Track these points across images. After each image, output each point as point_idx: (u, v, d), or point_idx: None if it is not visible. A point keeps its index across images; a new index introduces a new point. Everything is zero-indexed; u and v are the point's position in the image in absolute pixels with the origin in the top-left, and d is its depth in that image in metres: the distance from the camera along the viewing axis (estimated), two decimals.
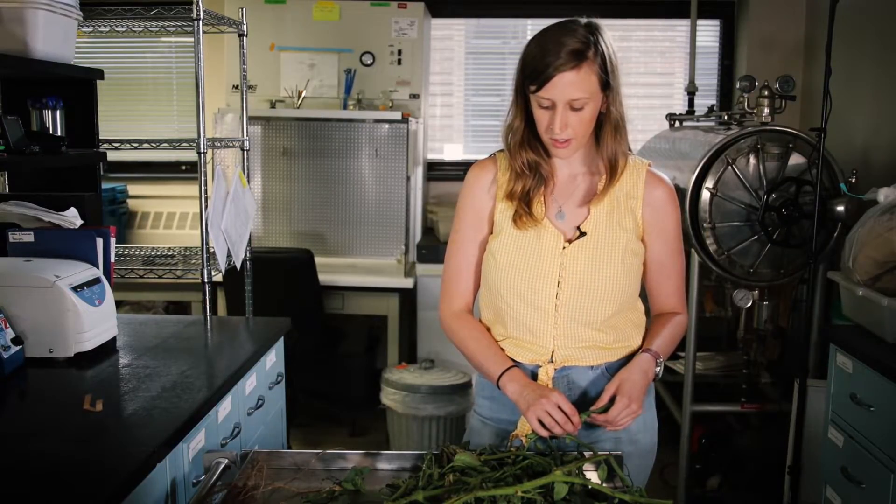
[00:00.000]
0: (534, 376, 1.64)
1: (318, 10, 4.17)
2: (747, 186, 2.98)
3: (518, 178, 1.64)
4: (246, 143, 2.92)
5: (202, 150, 2.54)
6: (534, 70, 1.52)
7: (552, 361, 1.64)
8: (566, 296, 1.61)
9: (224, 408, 1.96)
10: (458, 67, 4.64)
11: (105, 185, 3.97)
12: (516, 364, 1.65)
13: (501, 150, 1.70)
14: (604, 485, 1.42)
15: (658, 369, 1.63)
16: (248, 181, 2.83)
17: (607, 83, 1.55)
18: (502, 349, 1.68)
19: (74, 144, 2.46)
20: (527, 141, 1.62)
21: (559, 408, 1.51)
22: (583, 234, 1.62)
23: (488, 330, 1.73)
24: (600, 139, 1.62)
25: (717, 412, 3.48)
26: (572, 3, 4.53)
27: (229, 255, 2.65)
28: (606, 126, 1.60)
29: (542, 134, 1.58)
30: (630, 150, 1.67)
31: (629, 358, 1.67)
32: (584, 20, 1.57)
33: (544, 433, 1.51)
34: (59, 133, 2.40)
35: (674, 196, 1.68)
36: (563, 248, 1.62)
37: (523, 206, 1.63)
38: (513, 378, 1.60)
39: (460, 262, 1.73)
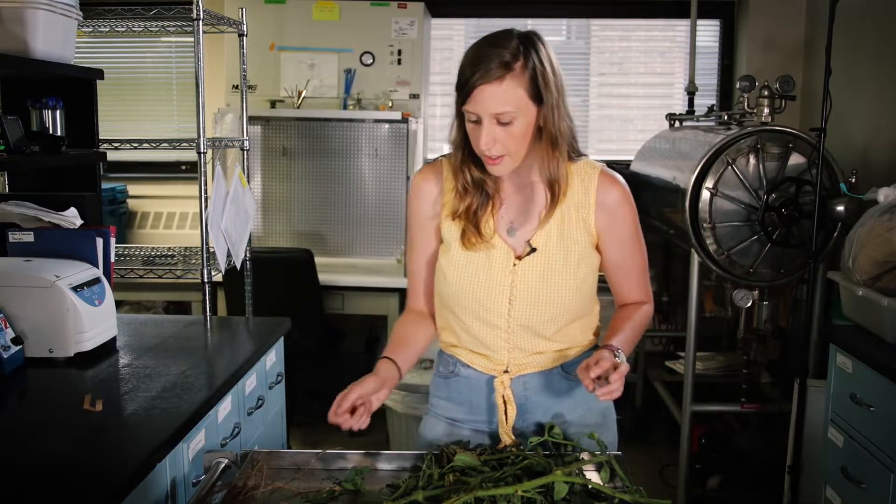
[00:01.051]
0: (489, 385, 1.64)
1: (318, 10, 4.17)
2: (747, 186, 2.98)
3: (464, 197, 1.57)
4: (246, 143, 2.92)
5: (202, 150, 2.54)
6: (459, 82, 1.46)
7: (507, 371, 1.62)
8: (518, 312, 1.58)
9: (224, 408, 1.96)
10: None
11: (105, 185, 3.97)
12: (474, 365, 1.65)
13: (448, 156, 1.64)
14: (604, 485, 1.42)
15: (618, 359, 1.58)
16: (248, 181, 2.83)
17: (540, 97, 1.47)
18: (406, 341, 1.66)
19: (74, 144, 2.46)
20: (469, 157, 1.55)
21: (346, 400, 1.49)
22: (533, 249, 1.57)
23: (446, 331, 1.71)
24: (539, 154, 1.54)
25: (717, 412, 3.48)
26: (572, 4, 4.54)
27: (229, 255, 2.65)
28: (543, 142, 1.52)
29: (475, 149, 1.51)
30: (580, 154, 1.60)
31: (587, 352, 1.67)
32: (520, 31, 1.49)
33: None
34: (59, 133, 2.40)
35: (628, 196, 1.61)
36: (514, 264, 1.57)
37: (471, 227, 1.57)
38: (378, 367, 1.58)
39: (415, 269, 1.71)
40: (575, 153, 1.58)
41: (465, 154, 1.55)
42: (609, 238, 1.61)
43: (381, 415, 3.71)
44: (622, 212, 1.61)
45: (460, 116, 1.52)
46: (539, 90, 1.47)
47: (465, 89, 1.44)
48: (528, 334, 1.60)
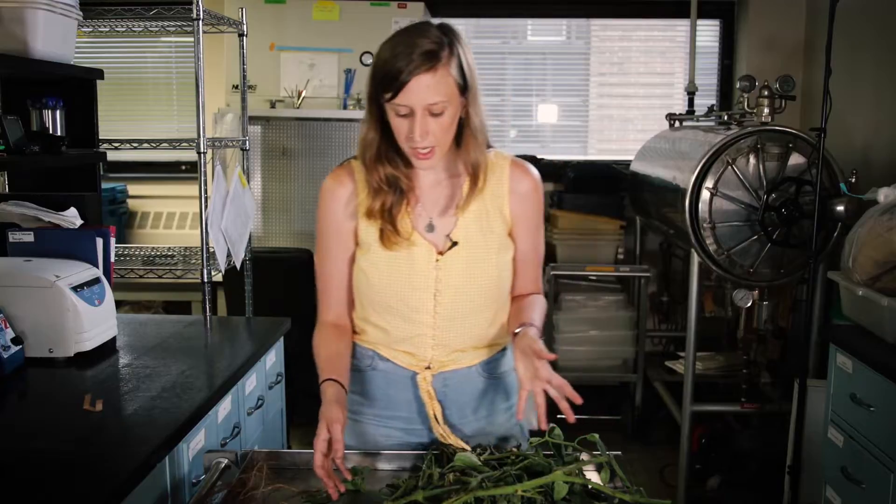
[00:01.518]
0: (412, 381, 1.64)
1: (318, 10, 4.17)
2: (747, 186, 2.98)
3: (377, 195, 1.55)
4: (246, 143, 2.92)
5: (202, 150, 2.54)
6: (387, 76, 1.43)
7: (429, 368, 1.62)
8: (444, 308, 1.58)
9: (224, 408, 1.96)
10: None
11: (105, 185, 3.97)
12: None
13: (356, 158, 1.62)
14: (604, 485, 1.41)
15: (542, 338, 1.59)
16: (248, 181, 2.84)
17: (465, 86, 1.48)
18: (341, 359, 1.59)
19: (74, 144, 2.46)
20: (384, 154, 1.53)
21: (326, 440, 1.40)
22: (454, 243, 1.57)
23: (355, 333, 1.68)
24: (461, 145, 1.54)
25: (717, 412, 3.48)
26: (572, 3, 4.54)
27: (229, 255, 2.65)
28: (467, 132, 1.52)
29: (402, 144, 1.49)
30: (489, 146, 1.61)
31: (500, 354, 1.68)
32: (436, 22, 1.50)
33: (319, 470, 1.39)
34: (59, 133, 2.40)
35: (539, 186, 1.63)
36: (437, 260, 1.57)
37: (388, 226, 1.55)
38: (325, 392, 1.49)
39: (328, 277, 1.65)
40: (487, 146, 1.60)
41: (381, 151, 1.53)
42: (519, 227, 1.62)
43: None
44: (533, 200, 1.63)
45: (377, 112, 1.50)
46: (465, 79, 1.48)
47: (397, 82, 1.42)
48: (453, 329, 1.60)
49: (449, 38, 1.46)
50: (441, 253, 1.57)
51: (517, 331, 1.52)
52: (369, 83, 1.49)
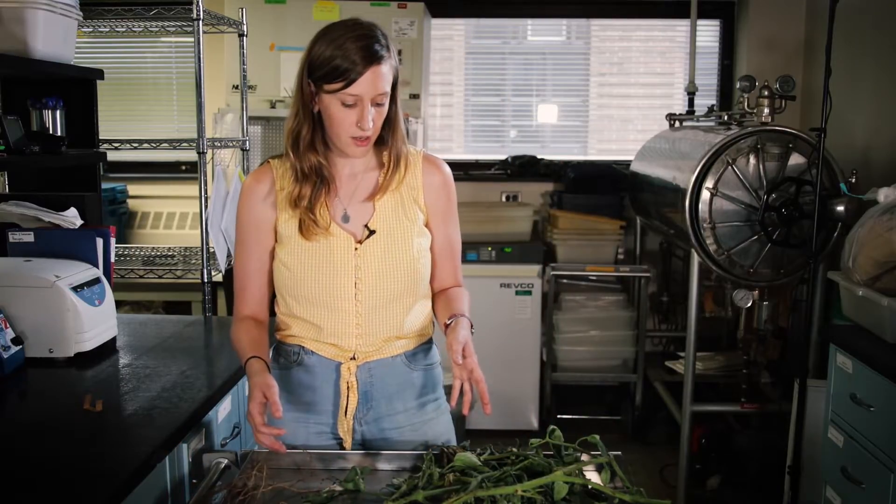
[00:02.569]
0: (336, 371, 1.65)
1: (318, 10, 4.17)
2: (747, 186, 2.98)
3: (303, 183, 1.61)
4: (246, 144, 2.93)
5: (202, 150, 2.54)
6: (336, 69, 1.50)
7: (354, 359, 1.65)
8: (365, 296, 1.62)
9: (224, 408, 1.96)
10: (458, 67, 4.64)
11: (105, 185, 3.96)
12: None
13: (274, 157, 1.68)
14: (604, 485, 1.42)
15: (473, 331, 1.64)
16: None
17: (395, 82, 1.58)
18: (262, 343, 1.64)
19: (74, 144, 2.46)
20: (314, 144, 1.61)
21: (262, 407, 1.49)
22: (372, 232, 1.63)
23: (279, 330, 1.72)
24: (387, 137, 1.64)
25: (717, 412, 3.48)
26: (572, 3, 4.54)
27: (229, 255, 2.65)
28: (396, 124, 1.63)
29: (340, 134, 1.56)
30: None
31: (425, 345, 1.72)
32: (360, 19, 1.59)
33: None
34: (59, 133, 2.40)
35: (450, 180, 1.71)
36: (356, 248, 1.62)
37: (309, 215, 1.61)
38: (250, 368, 1.58)
39: (246, 274, 1.69)
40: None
41: (312, 140, 1.60)
42: (437, 217, 1.70)
43: None
44: (445, 193, 1.70)
45: (309, 103, 1.57)
46: (397, 74, 1.59)
47: (350, 73, 1.49)
48: (375, 317, 1.64)
49: (384, 34, 1.57)
50: (360, 242, 1.62)
51: (448, 321, 1.59)
52: (304, 75, 1.56)
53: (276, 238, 1.67)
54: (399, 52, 4.14)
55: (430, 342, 1.75)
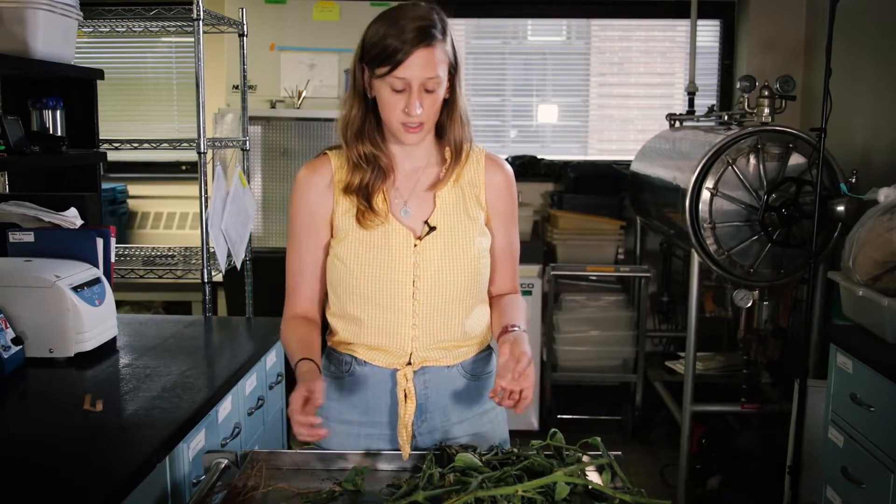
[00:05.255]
0: (390, 380, 1.60)
1: (318, 10, 4.17)
2: (747, 186, 2.98)
3: (356, 171, 1.57)
4: (246, 144, 2.93)
5: (202, 150, 2.54)
6: (384, 50, 1.45)
7: (410, 364, 1.59)
8: (423, 294, 1.56)
9: (224, 408, 1.96)
10: None
11: (105, 185, 3.97)
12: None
13: (332, 148, 1.63)
14: (605, 486, 1.41)
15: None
16: (249, 181, 2.84)
17: (455, 67, 1.53)
18: (313, 344, 1.58)
19: (74, 144, 2.46)
20: (366, 132, 1.56)
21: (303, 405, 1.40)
22: (432, 228, 1.56)
23: (329, 332, 1.66)
24: (447, 127, 1.58)
25: (717, 412, 3.48)
26: (572, 3, 4.54)
27: (229, 255, 2.65)
28: (455, 113, 1.57)
29: (391, 120, 1.51)
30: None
31: (483, 353, 1.67)
32: (422, 3, 1.52)
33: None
34: (59, 133, 2.40)
35: (512, 181, 1.66)
36: (415, 245, 1.56)
37: (363, 202, 1.55)
38: (300, 369, 1.50)
39: (299, 270, 1.62)
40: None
41: (364, 127, 1.56)
42: (497, 217, 1.64)
43: None
44: (507, 194, 1.65)
45: (362, 89, 1.53)
46: (456, 60, 1.52)
47: (397, 55, 1.44)
48: (433, 318, 1.58)
49: (441, 18, 1.50)
50: (419, 238, 1.56)
51: (504, 335, 1.53)
52: (357, 60, 1.51)
53: (331, 232, 1.60)
54: None
55: (489, 350, 1.69)
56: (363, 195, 1.56)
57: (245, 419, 2.12)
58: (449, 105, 1.56)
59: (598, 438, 1.50)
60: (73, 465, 1.47)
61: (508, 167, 1.67)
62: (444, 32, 1.49)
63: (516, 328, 1.54)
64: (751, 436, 3.41)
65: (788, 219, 2.91)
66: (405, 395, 1.59)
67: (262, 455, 1.53)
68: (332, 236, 1.61)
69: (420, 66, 1.45)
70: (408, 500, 1.33)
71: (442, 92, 1.51)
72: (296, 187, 1.64)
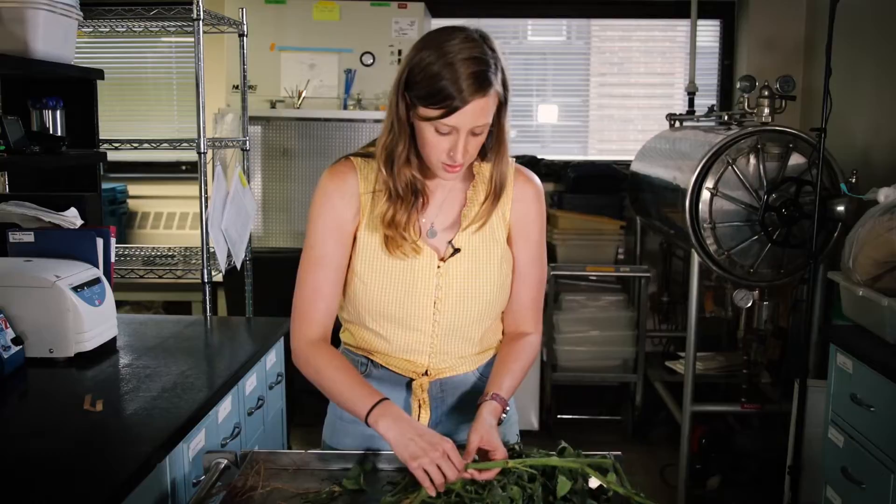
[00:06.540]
0: (407, 388, 1.58)
1: (319, 10, 4.17)
2: (747, 186, 2.98)
3: (397, 203, 1.46)
4: (246, 144, 2.93)
5: (202, 150, 2.54)
6: (437, 93, 1.34)
7: (426, 374, 1.57)
8: (443, 316, 1.53)
9: (224, 408, 1.96)
10: None
11: (105, 185, 3.97)
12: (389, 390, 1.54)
13: (356, 155, 1.54)
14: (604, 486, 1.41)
15: (504, 415, 1.51)
16: (249, 181, 2.84)
17: (504, 101, 1.42)
18: (357, 373, 1.52)
19: (74, 144, 2.46)
20: (411, 161, 1.46)
21: (448, 458, 1.33)
22: (457, 250, 1.51)
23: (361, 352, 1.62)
24: (488, 156, 1.50)
25: (717, 412, 3.48)
26: (572, 3, 4.54)
27: (229, 255, 2.65)
28: (501, 147, 1.48)
29: (432, 159, 1.42)
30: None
31: (495, 356, 1.62)
32: (476, 30, 1.41)
33: (432, 490, 1.32)
34: (59, 133, 2.40)
35: (542, 197, 1.58)
36: (438, 267, 1.51)
37: (398, 233, 1.47)
38: (386, 413, 1.40)
39: (319, 284, 1.52)
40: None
41: (405, 158, 1.45)
42: (519, 236, 1.57)
43: None
44: (535, 210, 1.58)
45: (405, 117, 1.41)
46: (506, 95, 1.43)
47: (451, 104, 1.34)
48: (452, 338, 1.55)
49: (493, 51, 1.39)
50: (443, 259, 1.52)
51: (481, 406, 1.46)
52: (402, 89, 1.40)
53: (354, 246, 1.53)
54: (398, 53, 4.16)
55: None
56: (398, 226, 1.48)
57: (245, 419, 2.11)
58: (496, 138, 1.47)
59: (610, 462, 1.42)
60: (73, 464, 1.47)
61: (538, 183, 1.59)
62: (497, 69, 1.38)
63: (487, 399, 1.46)
64: (751, 436, 3.41)
65: (788, 219, 2.91)
66: (419, 404, 1.58)
67: (262, 455, 1.53)
68: (353, 249, 1.54)
69: (472, 114, 1.36)
70: (407, 499, 1.33)
71: (486, 131, 1.43)
72: (321, 196, 1.52)
